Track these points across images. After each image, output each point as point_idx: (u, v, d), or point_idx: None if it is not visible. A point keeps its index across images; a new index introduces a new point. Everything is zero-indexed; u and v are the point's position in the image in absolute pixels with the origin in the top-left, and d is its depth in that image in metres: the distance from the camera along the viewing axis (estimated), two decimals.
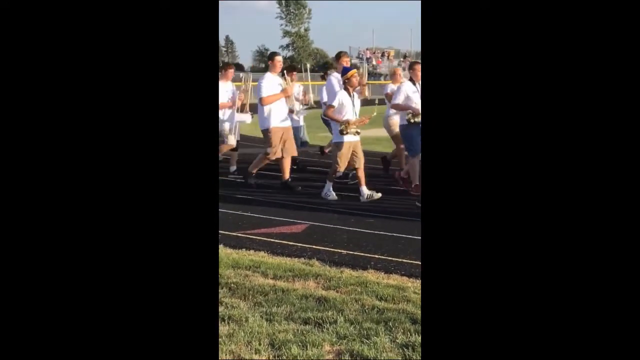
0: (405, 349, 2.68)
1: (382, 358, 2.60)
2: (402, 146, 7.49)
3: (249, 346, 2.72)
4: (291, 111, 7.78)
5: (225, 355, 2.65)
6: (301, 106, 8.35)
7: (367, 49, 47.44)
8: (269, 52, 8.09)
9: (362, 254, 4.38)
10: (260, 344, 2.73)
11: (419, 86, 6.52)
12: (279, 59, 7.25)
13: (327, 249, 4.53)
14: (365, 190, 6.39)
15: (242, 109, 8.31)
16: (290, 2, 60.90)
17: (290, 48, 60.69)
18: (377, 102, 8.76)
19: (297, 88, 8.31)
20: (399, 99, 6.60)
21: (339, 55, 7.81)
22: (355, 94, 6.62)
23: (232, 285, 3.57)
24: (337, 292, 3.48)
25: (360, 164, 6.47)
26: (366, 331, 2.86)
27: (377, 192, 6.39)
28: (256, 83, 7.66)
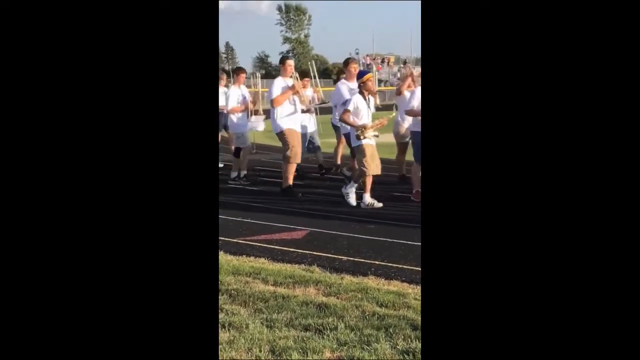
0: (405, 356, 2.67)
1: None
2: (404, 154, 7.49)
3: (250, 353, 2.72)
4: (306, 110, 7.73)
5: None
6: (313, 103, 8.26)
7: (367, 55, 47.50)
8: (280, 56, 7.99)
9: (362, 260, 4.37)
10: (260, 351, 2.73)
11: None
12: (289, 62, 7.20)
13: (328, 255, 4.53)
14: (367, 199, 6.35)
15: (255, 113, 8.32)
16: (290, 9, 61.11)
17: (290, 54, 60.82)
18: (395, 107, 8.67)
19: (309, 92, 8.21)
20: (414, 104, 6.48)
21: (347, 62, 7.72)
22: (370, 97, 6.57)
23: (233, 291, 3.57)
24: (337, 298, 3.47)
25: (370, 171, 6.36)
26: (367, 338, 2.85)
27: (379, 201, 6.36)
28: (267, 89, 7.65)
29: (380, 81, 41.92)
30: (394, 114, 7.07)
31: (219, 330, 2.92)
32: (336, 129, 7.83)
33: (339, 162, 8.39)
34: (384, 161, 6.76)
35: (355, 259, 4.40)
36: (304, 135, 7.74)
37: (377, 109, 7.32)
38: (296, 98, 7.05)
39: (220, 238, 4.34)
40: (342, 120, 6.53)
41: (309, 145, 8.16)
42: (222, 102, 8.73)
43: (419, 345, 2.71)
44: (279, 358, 2.67)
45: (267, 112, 7.24)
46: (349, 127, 6.65)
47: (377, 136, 6.38)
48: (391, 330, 2.93)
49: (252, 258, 4.44)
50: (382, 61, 46.92)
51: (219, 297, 3.40)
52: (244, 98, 8.06)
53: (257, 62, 62.66)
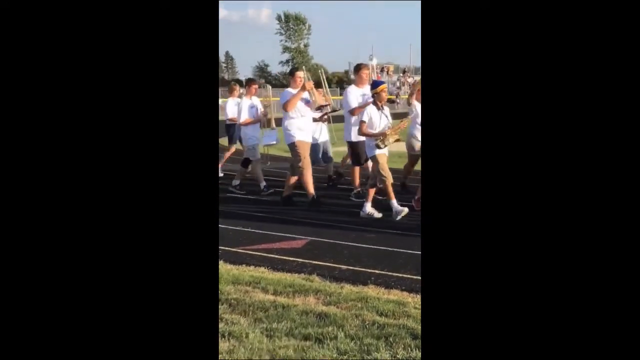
0: None
1: None
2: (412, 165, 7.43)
3: None
4: (319, 119, 7.64)
5: None
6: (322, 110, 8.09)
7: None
8: (290, 69, 7.92)
9: (362, 269, 4.37)
10: None
11: None
12: (299, 74, 7.12)
13: (328, 264, 4.52)
14: (368, 208, 6.33)
15: (268, 124, 8.29)
16: (290, 18, 61.30)
17: (290, 64, 60.98)
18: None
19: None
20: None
21: (358, 67, 7.45)
22: (385, 107, 6.51)
23: (233, 301, 3.56)
24: (337, 307, 3.47)
25: (391, 178, 6.28)
26: (367, 347, 2.85)
27: (379, 212, 6.34)
28: (277, 98, 7.60)
29: None
30: (409, 119, 6.95)
31: (219, 340, 2.91)
32: (353, 147, 7.37)
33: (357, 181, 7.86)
34: (392, 170, 6.70)
35: (355, 268, 4.39)
36: (317, 144, 7.68)
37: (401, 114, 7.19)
38: (307, 109, 6.98)
39: (220, 247, 4.34)
40: (360, 133, 6.46)
41: (324, 156, 8.05)
42: (234, 113, 8.73)
43: (419, 354, 2.70)
44: None
45: (280, 120, 7.17)
46: (364, 138, 6.52)
47: (399, 140, 6.32)
48: (391, 340, 2.93)
49: (252, 267, 4.43)
50: (382, 70, 46.98)
51: (219, 307, 3.40)
52: (256, 109, 8.04)
53: (256, 72, 62.76)
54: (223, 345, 2.89)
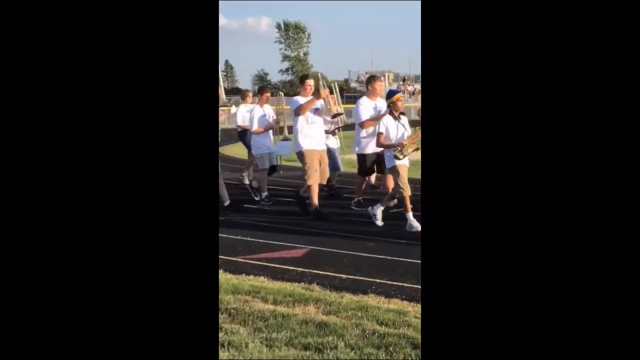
0: None
1: None
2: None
3: None
4: (330, 132, 7.58)
5: None
6: (334, 125, 8.04)
7: (366, 73, 47.66)
8: (300, 76, 7.77)
9: (362, 278, 4.36)
10: None
11: None
12: (309, 82, 7.01)
13: (327, 273, 4.51)
14: (377, 210, 6.26)
15: (280, 131, 8.25)
16: (290, 27, 61.48)
17: (289, 72, 61.11)
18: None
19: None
20: None
21: (372, 79, 7.30)
22: (403, 116, 6.41)
23: (232, 310, 3.55)
24: (337, 317, 3.46)
25: (409, 190, 6.12)
26: (367, 356, 2.84)
27: (382, 221, 6.30)
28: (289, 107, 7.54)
29: None
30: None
31: (219, 350, 2.90)
32: (360, 159, 7.21)
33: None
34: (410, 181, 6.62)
35: (355, 277, 4.38)
36: (331, 150, 7.62)
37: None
38: (317, 117, 6.90)
39: (219, 256, 4.33)
40: (378, 144, 6.39)
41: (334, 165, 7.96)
42: (245, 120, 8.75)
43: None
44: None
45: (292, 128, 7.10)
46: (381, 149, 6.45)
47: (418, 149, 6.07)
48: (391, 349, 2.92)
49: (251, 276, 4.42)
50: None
51: (219, 316, 3.39)
52: (267, 118, 8.00)
53: (256, 80, 62.89)
54: (223, 355, 2.88)
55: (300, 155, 6.83)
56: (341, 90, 7.80)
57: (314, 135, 6.83)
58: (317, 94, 6.68)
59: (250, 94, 10.06)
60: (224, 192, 7.22)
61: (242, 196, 8.24)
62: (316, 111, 6.91)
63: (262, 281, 4.29)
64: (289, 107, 7.61)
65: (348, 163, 9.48)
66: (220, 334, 3.13)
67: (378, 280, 4.28)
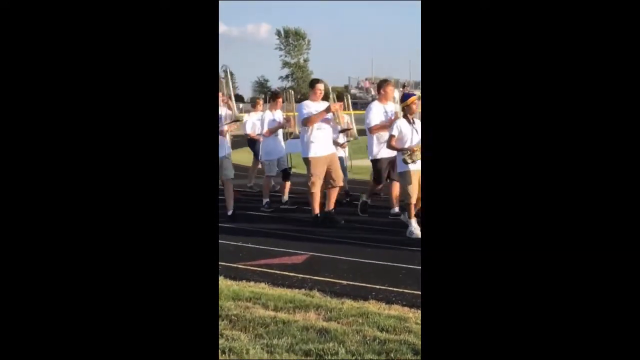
0: None
1: None
2: None
3: None
4: (337, 143, 7.54)
5: None
6: (344, 138, 7.96)
7: (366, 79, 47.72)
8: (310, 80, 7.62)
9: (363, 284, 4.35)
10: None
11: None
12: (319, 87, 6.89)
13: (328, 279, 4.51)
14: (413, 227, 6.02)
15: (289, 136, 8.20)
16: (290, 34, 61.62)
17: (289, 79, 61.23)
18: None
19: (346, 118, 7.83)
20: None
21: (383, 83, 7.24)
22: (417, 120, 6.24)
23: (233, 317, 3.54)
24: (338, 323, 3.45)
25: (414, 198, 6.02)
26: None
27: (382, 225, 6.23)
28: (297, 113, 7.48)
29: None
30: None
31: (219, 356, 2.89)
32: (375, 165, 7.12)
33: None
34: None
35: (356, 283, 4.38)
36: (341, 158, 7.57)
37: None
38: (326, 125, 6.81)
39: (220, 263, 4.33)
40: (389, 146, 6.34)
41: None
42: (252, 129, 8.74)
43: None
44: None
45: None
46: (395, 153, 6.35)
47: None
48: (392, 355, 2.91)
49: (252, 283, 4.42)
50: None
51: (219, 323, 3.38)
52: (277, 123, 7.98)
53: (256, 87, 62.98)
54: None
55: (307, 162, 6.79)
56: (340, 96, 7.73)
57: (321, 140, 6.74)
58: (326, 99, 6.60)
59: (261, 102, 10.01)
60: (230, 201, 7.15)
61: (247, 203, 8.23)
62: (325, 119, 6.81)
63: (263, 287, 4.29)
64: (297, 113, 7.51)
65: (355, 168, 9.44)
66: (221, 341, 3.12)
67: (379, 287, 4.28)
